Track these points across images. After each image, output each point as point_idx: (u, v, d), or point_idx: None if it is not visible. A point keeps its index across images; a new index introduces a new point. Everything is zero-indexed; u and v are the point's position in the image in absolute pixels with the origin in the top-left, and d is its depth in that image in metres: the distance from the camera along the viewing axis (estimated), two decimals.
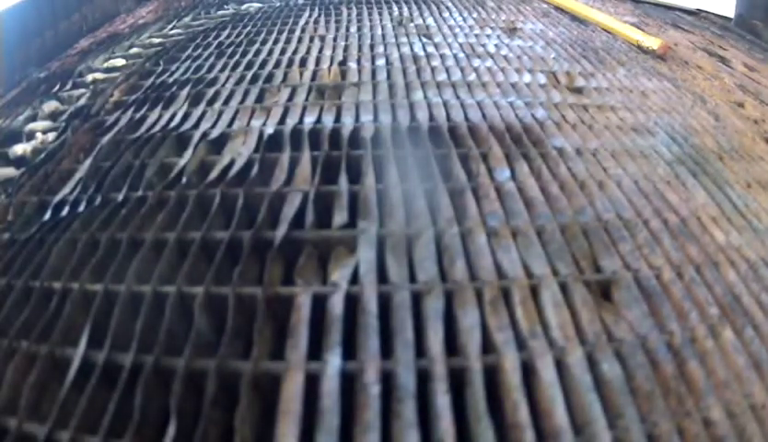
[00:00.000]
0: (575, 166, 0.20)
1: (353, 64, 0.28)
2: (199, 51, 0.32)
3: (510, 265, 0.16)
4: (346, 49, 0.30)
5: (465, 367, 0.13)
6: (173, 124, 0.23)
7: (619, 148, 0.22)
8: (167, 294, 0.15)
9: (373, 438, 0.12)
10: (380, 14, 0.37)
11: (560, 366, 0.14)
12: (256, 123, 0.23)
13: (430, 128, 0.22)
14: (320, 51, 0.30)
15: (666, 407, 0.13)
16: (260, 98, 0.25)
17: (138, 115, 0.25)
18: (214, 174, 0.20)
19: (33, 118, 0.29)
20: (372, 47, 0.30)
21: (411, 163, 0.20)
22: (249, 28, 0.35)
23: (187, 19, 0.42)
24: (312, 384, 0.13)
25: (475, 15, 0.37)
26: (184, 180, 0.20)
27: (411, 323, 0.14)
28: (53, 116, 0.29)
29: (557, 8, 0.42)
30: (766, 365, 0.14)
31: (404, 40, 0.31)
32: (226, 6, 0.43)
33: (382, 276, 0.16)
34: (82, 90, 0.31)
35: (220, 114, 0.24)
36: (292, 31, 0.34)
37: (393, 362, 0.13)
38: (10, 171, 0.25)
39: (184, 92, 0.26)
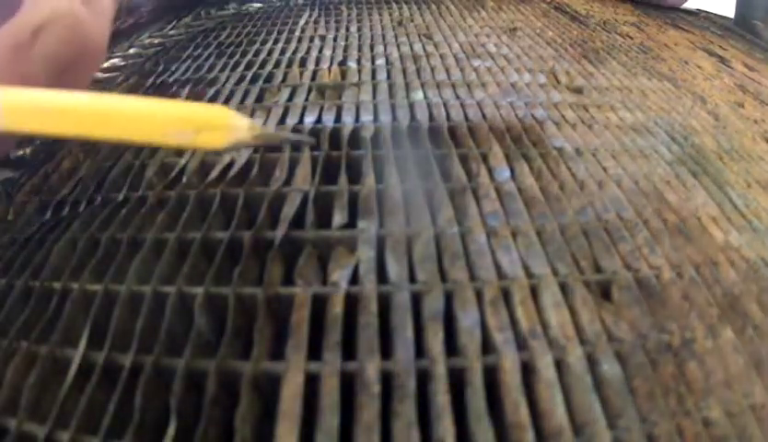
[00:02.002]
0: (574, 165, 0.20)
1: (353, 64, 0.28)
2: (199, 51, 0.32)
3: (510, 265, 0.16)
4: (346, 48, 0.30)
5: (465, 367, 0.13)
6: None
7: (619, 148, 0.22)
8: (167, 294, 0.15)
9: (373, 438, 0.12)
10: (380, 13, 0.37)
11: (560, 366, 0.14)
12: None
13: (430, 128, 0.22)
14: (320, 50, 0.30)
15: (666, 407, 0.13)
16: (260, 98, 0.25)
17: None
18: (214, 174, 0.20)
19: None
20: (372, 47, 0.30)
21: (411, 163, 0.20)
22: (249, 28, 0.35)
23: (187, 19, 0.42)
24: (312, 384, 0.13)
25: (475, 14, 0.37)
26: (184, 179, 0.20)
27: (411, 323, 0.14)
28: None
29: (557, 8, 0.42)
30: (766, 365, 0.14)
31: (404, 39, 0.31)
32: (226, 6, 0.43)
33: (382, 276, 0.16)
34: None
35: None
36: (292, 31, 0.34)
37: (393, 362, 0.13)
38: (10, 171, 0.25)
39: (184, 92, 0.26)
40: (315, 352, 0.14)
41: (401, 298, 0.15)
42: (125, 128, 0.15)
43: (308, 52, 0.30)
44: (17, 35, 0.18)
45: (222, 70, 0.28)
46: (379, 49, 0.30)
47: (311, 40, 0.32)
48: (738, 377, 0.14)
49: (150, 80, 0.29)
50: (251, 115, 0.23)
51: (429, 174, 0.19)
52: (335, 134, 0.22)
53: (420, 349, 0.14)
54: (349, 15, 0.37)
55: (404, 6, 0.39)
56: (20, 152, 0.27)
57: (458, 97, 0.24)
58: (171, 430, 0.12)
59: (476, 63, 0.28)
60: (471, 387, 0.13)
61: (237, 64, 0.29)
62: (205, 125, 0.15)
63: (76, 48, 0.20)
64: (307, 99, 0.24)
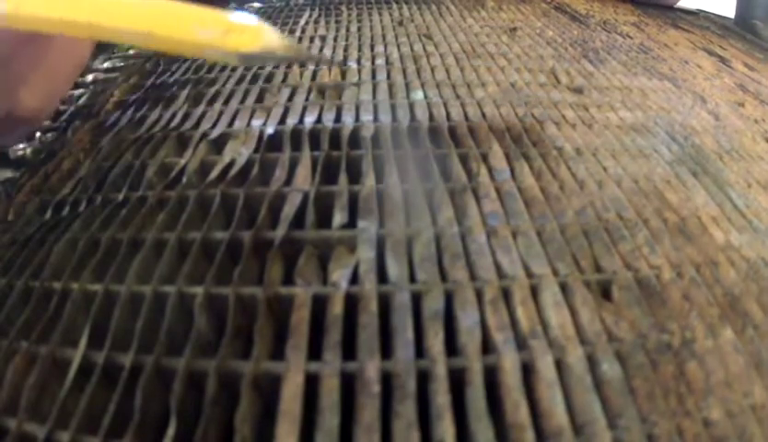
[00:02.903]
0: (575, 165, 0.20)
1: (353, 64, 0.28)
2: None
3: (510, 265, 0.16)
4: (346, 48, 0.30)
5: (465, 367, 0.13)
6: (173, 124, 0.24)
7: (619, 148, 0.22)
8: (167, 294, 0.15)
9: (373, 438, 0.12)
10: (380, 13, 0.37)
11: (560, 366, 0.14)
12: (256, 123, 0.23)
13: (430, 128, 0.22)
14: (320, 50, 0.30)
15: (666, 407, 0.13)
16: (260, 98, 0.25)
17: (138, 115, 0.25)
18: (214, 174, 0.20)
19: None
20: (372, 46, 0.30)
21: (411, 163, 0.20)
22: None
23: None
24: (312, 384, 0.13)
25: (475, 14, 0.37)
26: (184, 179, 0.20)
27: (411, 323, 0.14)
28: (53, 116, 0.29)
29: (557, 8, 0.42)
30: (766, 365, 0.14)
31: (404, 39, 0.31)
32: (227, 7, 0.43)
33: (382, 276, 0.16)
34: (82, 90, 0.31)
35: (220, 114, 0.24)
36: (292, 31, 0.34)
37: (393, 362, 0.13)
38: (10, 171, 0.25)
39: (184, 92, 0.26)
40: (315, 352, 0.14)
41: (401, 298, 0.15)
42: (149, 19, 0.14)
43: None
44: None
45: (222, 70, 0.28)
46: (379, 49, 0.30)
47: (311, 39, 0.32)
48: (738, 377, 0.14)
49: (150, 80, 0.29)
50: (251, 115, 0.23)
51: (429, 174, 0.19)
52: (335, 134, 0.22)
53: (420, 349, 0.14)
54: (349, 15, 0.37)
55: (404, 6, 0.39)
56: (20, 152, 0.27)
57: (458, 96, 0.24)
58: (171, 430, 0.12)
59: (476, 62, 0.28)
60: (472, 387, 0.13)
61: None
62: (234, 27, 0.15)
63: None
64: (307, 99, 0.24)
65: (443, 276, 0.16)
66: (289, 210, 0.18)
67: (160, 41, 0.15)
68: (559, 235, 0.17)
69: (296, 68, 0.28)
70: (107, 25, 0.14)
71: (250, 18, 0.15)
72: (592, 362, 0.14)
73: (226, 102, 0.25)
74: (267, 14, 0.39)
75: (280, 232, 0.17)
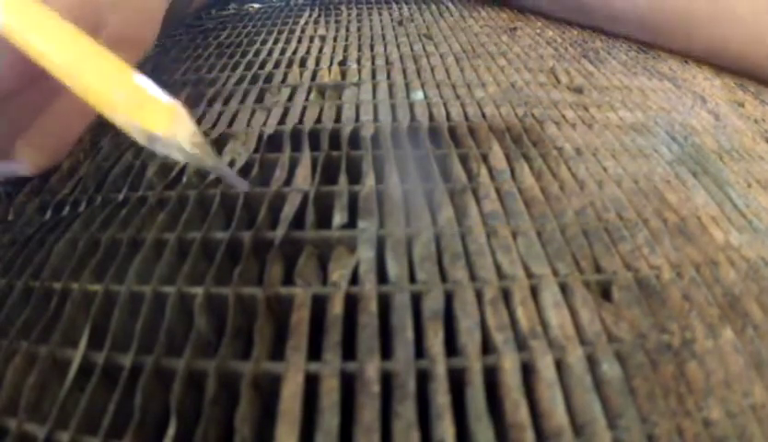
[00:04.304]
0: (575, 165, 0.20)
1: (353, 64, 0.28)
2: (199, 51, 0.32)
3: (510, 265, 0.16)
4: (346, 48, 0.30)
5: (465, 367, 0.13)
6: None
7: (619, 147, 0.22)
8: (167, 294, 0.15)
9: (373, 438, 0.12)
10: (380, 13, 0.37)
11: (560, 366, 0.14)
12: (256, 123, 0.23)
13: (430, 128, 0.22)
14: (320, 50, 0.30)
15: (666, 407, 0.13)
16: (260, 98, 0.25)
17: None
18: (214, 174, 0.20)
19: None
20: (372, 46, 0.30)
21: (411, 163, 0.20)
22: (249, 28, 0.35)
23: (187, 20, 0.42)
24: (312, 384, 0.13)
25: (475, 14, 0.37)
26: (184, 179, 0.20)
27: (411, 323, 0.14)
28: None
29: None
30: (766, 365, 0.14)
31: (404, 39, 0.31)
32: (226, 6, 0.43)
33: (382, 276, 0.16)
34: None
35: (220, 114, 0.24)
36: (292, 31, 0.34)
37: (393, 362, 0.13)
38: None
39: (184, 92, 0.26)
40: (315, 352, 0.14)
41: (401, 298, 0.15)
42: (80, 67, 0.14)
43: (308, 51, 0.30)
44: None
45: (222, 70, 0.28)
46: (379, 49, 0.30)
47: (311, 39, 0.32)
48: (738, 377, 0.14)
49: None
50: (251, 115, 0.23)
51: (429, 174, 0.19)
52: (335, 134, 0.22)
53: (420, 349, 0.14)
54: (349, 14, 0.37)
55: (404, 6, 0.39)
56: None
57: (458, 96, 0.24)
58: (171, 430, 0.12)
59: (476, 62, 0.28)
60: (471, 387, 0.13)
61: (237, 64, 0.29)
62: (150, 103, 0.14)
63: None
64: (307, 99, 0.24)
65: (443, 276, 0.16)
66: (289, 210, 0.18)
67: (75, 83, 0.14)
68: (559, 235, 0.17)
69: (296, 68, 0.28)
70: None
71: (171, 101, 0.14)
72: (592, 362, 0.14)
73: (226, 102, 0.25)
74: (267, 14, 0.39)
75: (280, 232, 0.17)
